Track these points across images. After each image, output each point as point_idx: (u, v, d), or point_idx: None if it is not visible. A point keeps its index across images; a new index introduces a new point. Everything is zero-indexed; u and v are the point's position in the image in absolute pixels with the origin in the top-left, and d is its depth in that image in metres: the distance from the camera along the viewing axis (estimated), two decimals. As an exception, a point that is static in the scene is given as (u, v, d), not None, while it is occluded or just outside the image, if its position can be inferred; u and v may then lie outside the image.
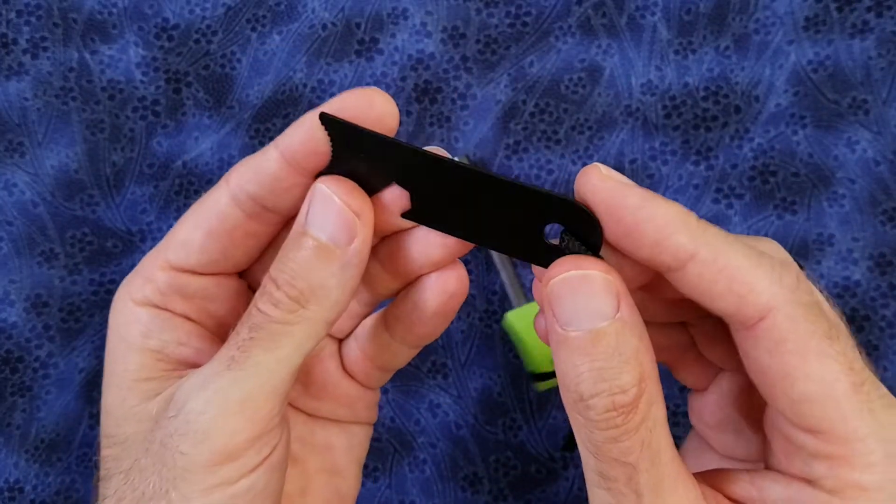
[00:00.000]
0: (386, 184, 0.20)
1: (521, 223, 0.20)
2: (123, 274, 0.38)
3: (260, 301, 0.20)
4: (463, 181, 0.20)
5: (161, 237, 0.39)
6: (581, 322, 0.18)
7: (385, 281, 0.23)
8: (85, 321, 0.37)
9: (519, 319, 0.35)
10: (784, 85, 0.37)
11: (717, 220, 0.37)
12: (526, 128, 0.37)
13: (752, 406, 0.23)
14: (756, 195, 0.37)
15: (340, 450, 0.25)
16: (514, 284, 0.37)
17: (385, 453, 0.38)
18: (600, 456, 0.18)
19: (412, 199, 0.20)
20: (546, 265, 0.19)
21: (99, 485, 0.22)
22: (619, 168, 0.35)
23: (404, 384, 0.38)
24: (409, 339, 0.23)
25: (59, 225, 0.37)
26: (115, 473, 0.21)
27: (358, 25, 0.38)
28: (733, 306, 0.18)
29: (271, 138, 0.38)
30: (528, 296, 0.37)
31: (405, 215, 0.21)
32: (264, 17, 0.38)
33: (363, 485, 0.37)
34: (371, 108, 0.19)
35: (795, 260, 0.20)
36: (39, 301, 0.37)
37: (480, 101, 0.38)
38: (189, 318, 0.22)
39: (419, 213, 0.21)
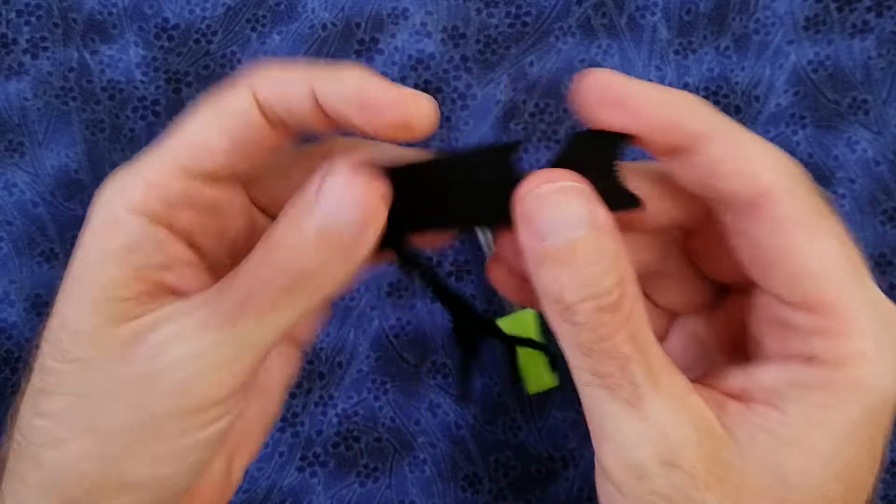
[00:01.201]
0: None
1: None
2: (123, 274, 0.38)
3: (265, 264, 0.19)
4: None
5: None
6: (558, 233, 0.18)
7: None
8: (85, 321, 0.37)
9: (510, 327, 0.35)
10: (784, 85, 0.37)
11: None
12: (526, 128, 0.38)
13: (726, 337, 0.24)
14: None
15: (274, 373, 0.25)
16: None
17: (385, 453, 0.38)
18: (593, 354, 0.19)
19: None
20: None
21: (28, 390, 0.20)
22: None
23: (404, 384, 0.38)
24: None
25: (60, 225, 0.37)
26: (60, 393, 0.20)
27: (358, 25, 0.38)
28: (742, 184, 0.19)
29: (271, 138, 0.38)
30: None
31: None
32: (264, 17, 0.38)
33: (363, 485, 0.37)
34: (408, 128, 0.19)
35: None
36: (40, 301, 0.37)
37: (480, 101, 0.38)
38: (189, 235, 0.21)
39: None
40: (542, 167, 0.20)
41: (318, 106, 0.19)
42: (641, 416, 0.18)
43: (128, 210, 0.20)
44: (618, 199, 0.20)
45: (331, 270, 0.19)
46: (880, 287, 0.20)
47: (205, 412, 0.20)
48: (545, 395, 0.37)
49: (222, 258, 0.22)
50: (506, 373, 0.37)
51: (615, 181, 0.20)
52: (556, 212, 0.18)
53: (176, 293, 0.20)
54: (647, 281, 0.25)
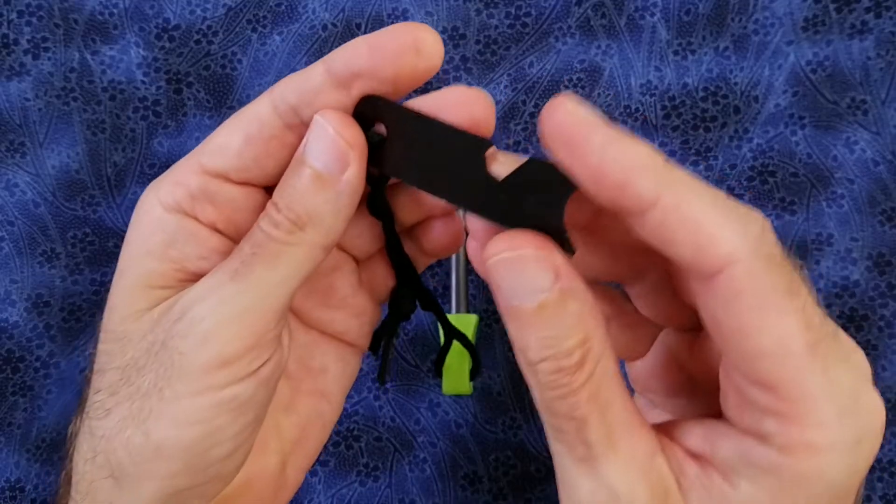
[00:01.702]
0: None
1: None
2: (124, 274, 0.38)
3: (262, 221, 0.21)
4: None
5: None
6: (522, 297, 0.19)
7: (410, 212, 0.25)
8: (86, 321, 0.37)
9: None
10: (783, 85, 0.37)
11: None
12: (526, 128, 0.38)
13: (704, 364, 0.23)
14: (755, 195, 0.37)
15: (333, 375, 0.26)
16: (461, 290, 0.37)
17: (385, 452, 0.38)
18: (551, 413, 0.19)
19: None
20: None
21: (91, 377, 0.22)
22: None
23: (405, 383, 0.38)
24: (425, 252, 0.26)
25: (61, 225, 0.37)
26: (110, 369, 0.22)
27: (358, 26, 0.38)
28: (693, 256, 0.18)
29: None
30: (469, 306, 0.37)
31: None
32: (265, 17, 0.38)
33: (363, 484, 0.38)
34: (419, 55, 0.20)
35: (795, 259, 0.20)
36: (41, 301, 0.37)
37: (480, 102, 0.38)
38: (214, 228, 0.22)
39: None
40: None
41: (331, 76, 0.21)
42: (593, 476, 0.19)
43: (163, 208, 0.22)
44: (555, 238, 0.19)
45: (325, 211, 0.21)
46: (879, 287, 0.19)
47: (225, 368, 0.20)
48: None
49: None
50: (509, 371, 0.38)
51: (558, 222, 0.19)
52: (518, 278, 0.19)
53: None
54: (628, 290, 0.25)
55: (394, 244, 0.25)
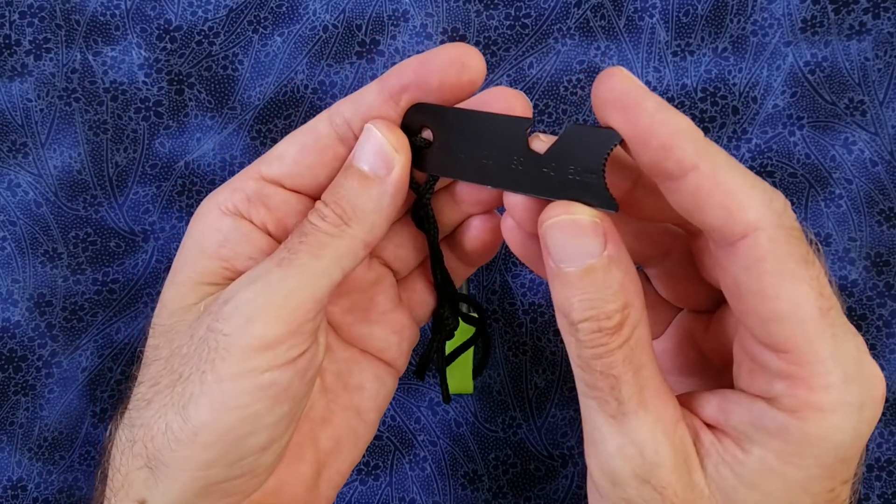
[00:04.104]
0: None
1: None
2: (126, 273, 0.38)
3: (311, 216, 0.23)
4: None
5: (164, 237, 0.39)
6: (572, 260, 0.20)
7: (450, 214, 0.26)
8: (88, 320, 0.38)
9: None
10: (781, 86, 0.38)
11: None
12: (525, 128, 0.38)
13: (719, 344, 0.24)
14: (754, 195, 0.38)
15: (369, 393, 0.27)
16: (462, 291, 0.37)
17: (386, 451, 0.38)
18: (588, 369, 0.20)
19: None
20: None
21: (136, 373, 0.24)
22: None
23: (405, 382, 0.38)
24: (464, 258, 0.27)
25: (62, 225, 0.38)
26: (154, 360, 0.23)
27: (359, 27, 0.38)
28: (722, 220, 0.19)
29: (273, 139, 0.39)
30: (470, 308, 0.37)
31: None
32: (266, 18, 0.38)
33: (364, 482, 0.38)
34: (463, 72, 0.22)
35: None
36: (43, 300, 0.37)
37: (480, 102, 0.38)
38: (266, 230, 0.24)
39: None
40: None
41: (382, 91, 0.23)
42: (622, 431, 0.20)
43: (219, 210, 0.24)
44: (599, 198, 0.21)
45: (368, 209, 0.22)
46: (877, 287, 0.20)
47: (266, 351, 0.21)
48: (544, 394, 0.38)
49: None
50: (509, 371, 0.38)
51: (600, 182, 0.21)
52: (571, 242, 0.20)
53: None
54: (648, 272, 0.26)
55: (436, 255, 0.26)
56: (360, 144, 0.23)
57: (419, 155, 0.24)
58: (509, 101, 0.22)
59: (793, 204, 0.37)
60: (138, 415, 0.22)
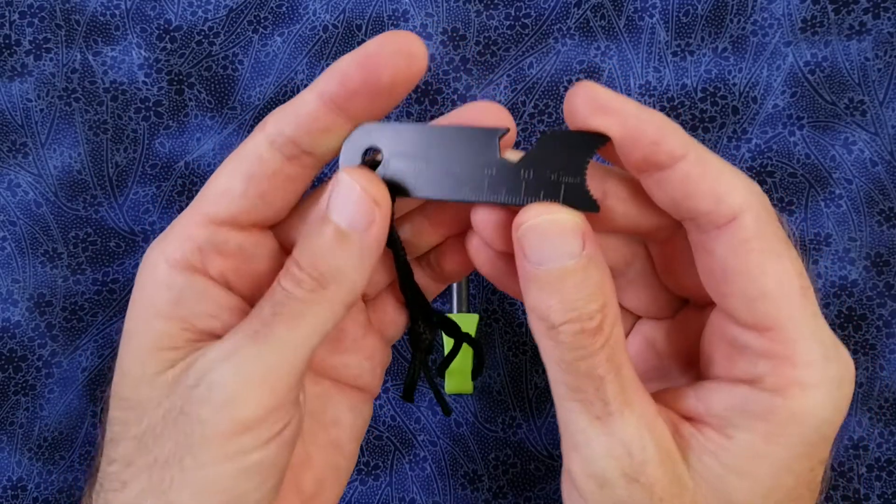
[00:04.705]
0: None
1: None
2: (126, 273, 0.38)
3: (284, 280, 0.21)
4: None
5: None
6: (551, 261, 0.20)
7: (427, 236, 0.25)
8: (88, 321, 0.38)
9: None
10: (781, 86, 0.38)
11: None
12: (525, 129, 0.38)
13: (679, 348, 0.25)
14: (754, 195, 0.38)
15: (346, 426, 0.26)
16: (462, 290, 0.37)
17: (385, 451, 0.38)
18: (571, 372, 0.20)
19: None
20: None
21: (103, 445, 0.22)
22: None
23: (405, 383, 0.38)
24: (438, 276, 0.26)
25: (62, 225, 0.37)
26: (124, 438, 0.21)
27: (359, 27, 0.38)
28: (711, 205, 0.20)
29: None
30: (470, 306, 0.37)
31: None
32: (266, 18, 0.38)
33: (363, 482, 0.38)
34: (409, 64, 0.20)
35: None
36: (42, 300, 0.37)
37: (480, 102, 0.38)
38: (225, 281, 0.22)
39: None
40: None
41: (324, 101, 0.21)
42: (608, 432, 0.20)
43: (168, 265, 0.21)
44: (580, 200, 0.21)
45: (348, 268, 0.21)
46: (877, 287, 0.20)
47: (248, 433, 0.20)
48: (545, 394, 0.38)
49: (258, 300, 0.23)
50: (509, 371, 0.38)
51: (581, 183, 0.21)
52: (549, 242, 0.20)
53: (219, 336, 0.21)
54: (614, 279, 0.26)
55: (405, 274, 0.25)
56: (336, 197, 0.21)
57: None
58: (491, 116, 0.22)
59: (793, 204, 0.38)
60: (115, 497, 0.20)
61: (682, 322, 0.25)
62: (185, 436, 0.20)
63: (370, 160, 0.22)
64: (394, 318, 0.27)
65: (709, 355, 0.22)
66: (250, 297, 0.23)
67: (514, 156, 0.21)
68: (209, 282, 0.22)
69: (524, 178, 0.21)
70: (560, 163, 0.21)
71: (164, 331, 0.21)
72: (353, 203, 0.20)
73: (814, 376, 0.19)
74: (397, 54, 0.20)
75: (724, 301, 0.21)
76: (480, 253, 0.23)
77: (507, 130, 0.21)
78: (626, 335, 0.26)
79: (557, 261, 0.20)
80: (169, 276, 0.21)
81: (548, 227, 0.20)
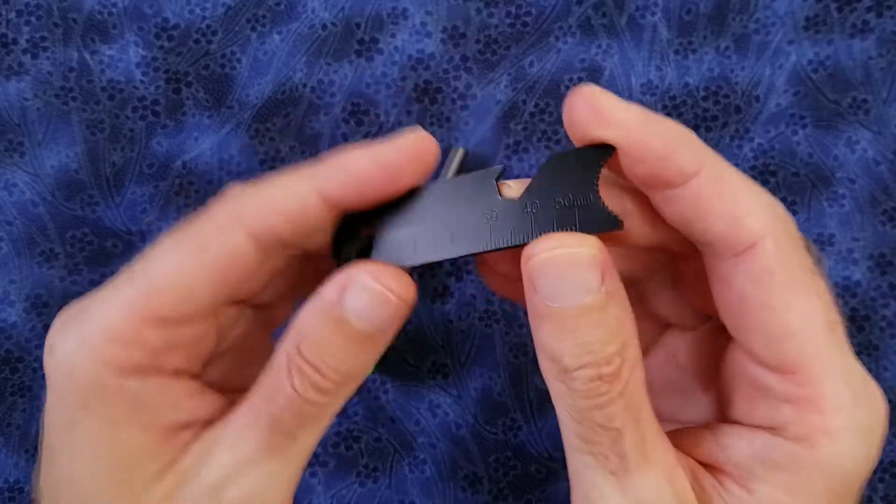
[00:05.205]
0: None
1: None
2: (123, 274, 0.38)
3: (301, 386, 0.19)
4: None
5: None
6: (565, 298, 0.17)
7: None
8: (85, 321, 0.37)
9: None
10: (784, 85, 0.37)
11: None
12: (526, 128, 0.38)
13: (702, 364, 0.23)
14: (756, 195, 0.37)
15: (251, 321, 0.23)
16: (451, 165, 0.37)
17: (385, 453, 0.38)
18: (584, 422, 0.18)
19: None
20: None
21: None
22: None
23: (404, 384, 0.38)
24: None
25: (59, 225, 0.37)
26: None
27: (358, 25, 0.38)
28: (727, 228, 0.18)
29: (271, 138, 0.38)
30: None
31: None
32: (264, 17, 0.38)
33: (363, 485, 0.37)
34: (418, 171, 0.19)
35: None
36: (39, 301, 0.37)
37: (480, 101, 0.38)
38: (185, 369, 0.20)
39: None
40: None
41: (326, 197, 0.19)
42: (624, 489, 0.18)
43: (114, 372, 0.18)
44: (598, 219, 0.19)
45: (369, 364, 0.19)
46: (880, 287, 0.19)
47: None
48: (546, 396, 0.37)
49: (226, 369, 0.22)
50: (510, 372, 0.37)
51: (596, 201, 0.19)
52: (565, 277, 0.18)
53: (199, 425, 0.20)
54: (639, 286, 0.25)
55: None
56: (358, 301, 0.19)
57: (366, 254, 0.20)
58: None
59: (795, 204, 0.37)
60: None
61: (707, 334, 0.23)
62: None
63: (363, 242, 0.20)
64: (285, 313, 0.24)
65: (728, 394, 0.20)
66: (216, 369, 0.21)
67: (515, 189, 0.20)
68: (164, 378, 0.19)
69: (531, 212, 0.19)
70: (567, 186, 0.19)
71: (133, 443, 0.18)
72: (380, 306, 0.19)
73: (842, 423, 0.17)
74: (415, 160, 0.19)
75: (742, 337, 0.19)
76: (496, 283, 0.22)
77: (504, 169, 0.20)
78: (654, 344, 0.25)
79: (573, 297, 0.17)
80: (114, 384, 0.18)
81: (561, 259, 0.18)
